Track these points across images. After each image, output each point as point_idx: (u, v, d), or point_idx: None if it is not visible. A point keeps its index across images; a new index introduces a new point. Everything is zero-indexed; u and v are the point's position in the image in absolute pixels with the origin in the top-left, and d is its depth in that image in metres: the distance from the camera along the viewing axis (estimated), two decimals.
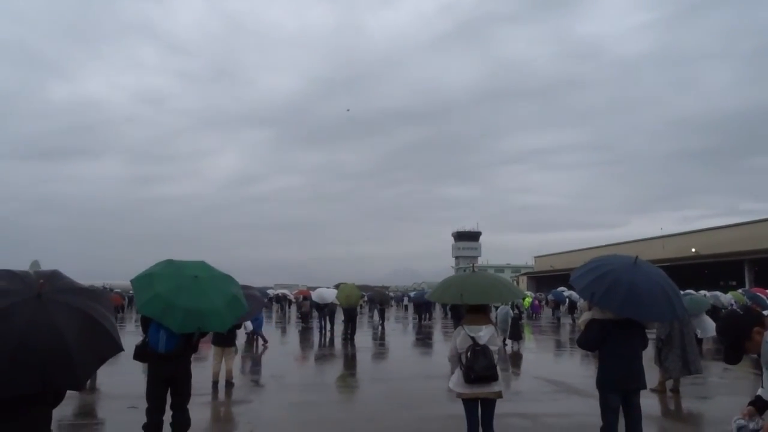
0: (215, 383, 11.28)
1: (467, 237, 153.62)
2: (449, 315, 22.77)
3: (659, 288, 5.81)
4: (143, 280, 6.57)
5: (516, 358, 17.28)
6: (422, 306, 35.23)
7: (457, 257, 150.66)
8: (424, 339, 24.33)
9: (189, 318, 6.27)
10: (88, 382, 11.71)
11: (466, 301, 6.04)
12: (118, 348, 3.58)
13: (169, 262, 6.93)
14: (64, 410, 8.87)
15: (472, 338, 5.83)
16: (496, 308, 41.74)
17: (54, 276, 3.54)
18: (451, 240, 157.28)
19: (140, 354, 6.62)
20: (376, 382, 12.79)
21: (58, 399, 3.50)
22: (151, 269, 6.78)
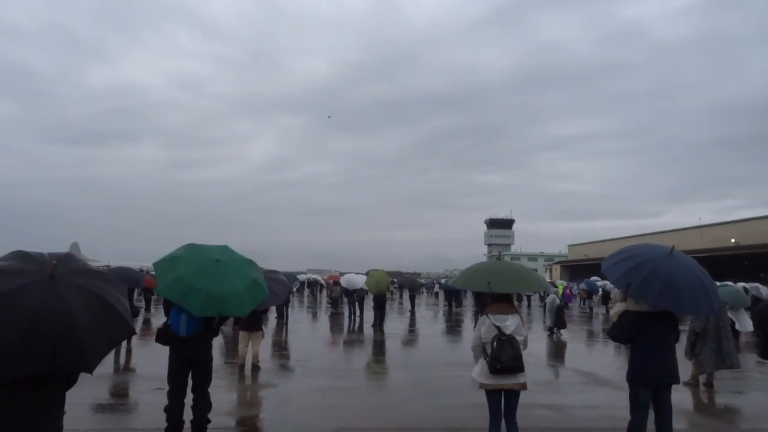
0: (242, 367, 11.35)
1: (500, 225, 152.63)
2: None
3: (697, 279, 5.59)
4: (165, 264, 6.58)
5: (557, 348, 17.05)
6: (452, 293, 35.07)
7: (489, 245, 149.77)
8: (453, 327, 24.20)
9: (209, 301, 6.25)
10: (115, 362, 11.94)
11: (494, 289, 5.88)
12: (131, 331, 3.60)
13: (191, 246, 6.93)
14: (95, 390, 9.02)
15: (498, 328, 5.68)
16: (528, 297, 41.31)
17: (67, 258, 3.53)
18: (484, 227, 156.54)
19: (162, 337, 6.65)
20: (402, 369, 12.72)
21: (70, 381, 3.50)
22: (174, 253, 6.80)
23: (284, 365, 12.76)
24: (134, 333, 3.58)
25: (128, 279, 16.19)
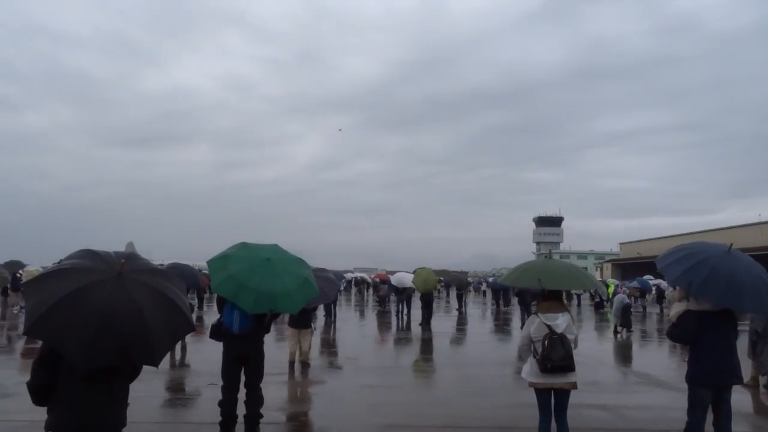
0: (291, 363, 11.54)
1: (549, 222, 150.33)
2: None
3: (758, 278, 5.45)
4: (218, 262, 6.76)
5: (610, 347, 16.74)
6: (500, 292, 34.75)
7: (538, 243, 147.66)
8: (501, 325, 23.99)
9: (261, 299, 6.40)
10: (171, 358, 12.29)
11: (546, 286, 5.82)
12: (191, 327, 3.76)
13: (243, 245, 7.10)
14: (153, 384, 9.32)
15: (549, 326, 5.62)
16: (578, 296, 40.50)
17: (133, 257, 3.72)
18: (532, 225, 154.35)
19: (215, 333, 6.82)
20: (451, 367, 12.70)
21: (135, 373, 3.72)
22: (226, 251, 6.97)
23: (333, 362, 12.91)
24: (194, 329, 3.73)
25: (187, 276, 16.53)
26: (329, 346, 15.80)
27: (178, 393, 9.47)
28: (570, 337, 5.66)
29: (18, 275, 25.96)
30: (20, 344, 15.19)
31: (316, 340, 15.27)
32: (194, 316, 21.97)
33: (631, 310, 21.24)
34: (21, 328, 17.68)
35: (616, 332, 19.36)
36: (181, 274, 12.74)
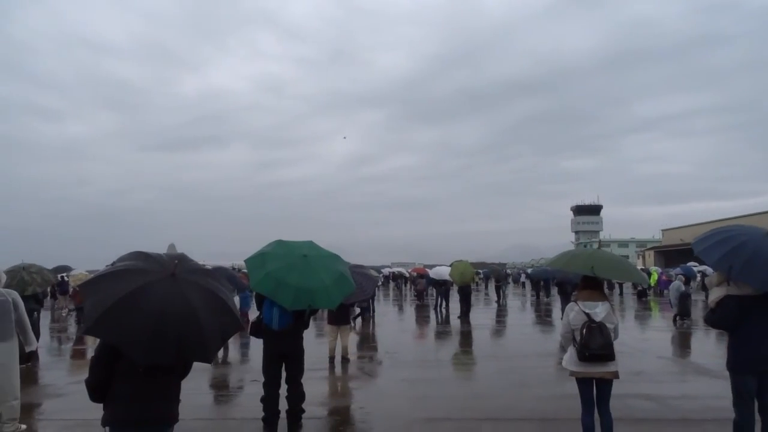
0: (332, 359, 11.65)
1: (587, 211, 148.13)
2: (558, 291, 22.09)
3: None
4: (256, 260, 6.87)
5: (666, 337, 16.42)
6: (540, 283, 34.40)
7: (576, 232, 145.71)
8: (541, 317, 23.76)
9: (300, 295, 6.49)
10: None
11: (598, 274, 5.75)
12: (240, 327, 3.90)
13: (279, 242, 7.20)
14: (197, 382, 9.52)
15: (587, 315, 5.56)
16: (620, 285, 39.86)
17: (183, 258, 3.88)
18: (570, 214, 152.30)
19: (256, 330, 6.93)
20: (490, 359, 12.64)
21: (186, 370, 3.87)
22: (263, 249, 7.08)
23: (372, 357, 12.97)
24: (243, 329, 3.87)
25: (228, 278, 16.89)
26: (368, 341, 15.88)
27: (221, 390, 9.64)
28: (609, 326, 5.58)
29: (65, 278, 26.74)
30: (69, 346, 15.66)
31: (355, 335, 15.37)
32: None
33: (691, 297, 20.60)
34: (70, 330, 18.29)
35: (675, 321, 18.91)
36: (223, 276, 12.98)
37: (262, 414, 6.82)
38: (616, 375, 5.64)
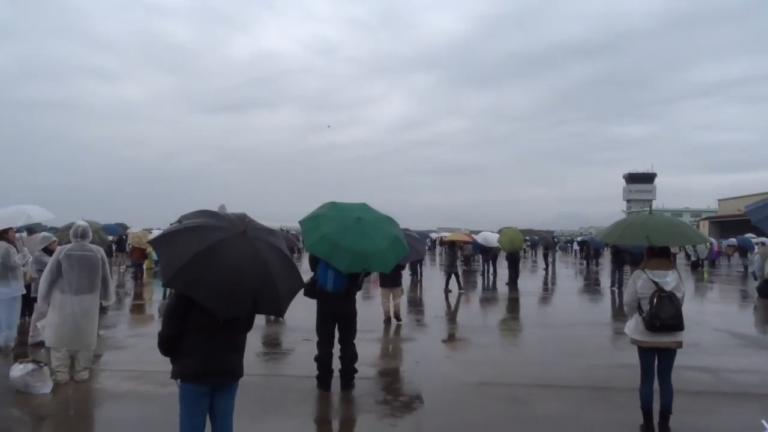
0: (387, 320, 11.81)
1: (640, 179, 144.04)
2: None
3: None
4: (310, 222, 6.92)
5: (724, 309, 15.99)
6: (590, 250, 33.88)
7: (628, 200, 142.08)
8: (590, 285, 23.45)
9: (355, 259, 6.54)
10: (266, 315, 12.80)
11: (654, 243, 5.56)
12: (302, 283, 4.01)
13: (333, 204, 7.24)
14: (250, 340, 9.72)
15: (656, 284, 5.41)
16: (673, 255, 38.86)
17: (248, 217, 3.94)
18: (622, 183, 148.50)
19: (310, 291, 7.01)
20: (540, 327, 12.57)
21: (251, 325, 3.95)
22: (317, 212, 7.12)
23: (421, 321, 13.05)
24: (304, 286, 3.95)
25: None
26: (417, 304, 15.97)
27: (275, 348, 9.88)
28: (678, 295, 5.44)
29: (124, 236, 27.70)
30: (128, 301, 16.24)
31: (403, 298, 15.46)
32: None
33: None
34: (127, 286, 18.92)
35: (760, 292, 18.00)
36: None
37: (316, 372, 6.97)
38: (680, 345, 5.51)
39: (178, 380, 3.69)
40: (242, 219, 3.75)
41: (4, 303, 8.71)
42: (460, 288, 18.61)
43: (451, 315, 13.86)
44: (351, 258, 6.54)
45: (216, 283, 3.36)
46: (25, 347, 8.74)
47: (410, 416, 6.28)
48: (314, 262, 7.07)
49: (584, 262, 34.49)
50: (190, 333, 3.60)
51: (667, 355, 5.55)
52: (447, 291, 18.14)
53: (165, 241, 3.65)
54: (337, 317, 7.02)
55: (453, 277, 18.59)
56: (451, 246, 20.25)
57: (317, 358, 7.00)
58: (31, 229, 14.51)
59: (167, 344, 3.66)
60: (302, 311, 12.72)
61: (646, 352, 5.60)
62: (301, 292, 4.37)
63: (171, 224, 4.08)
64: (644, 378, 5.65)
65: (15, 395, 6.51)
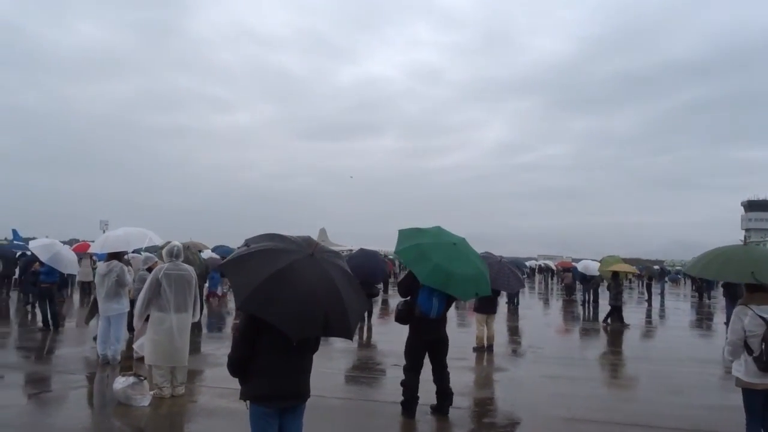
0: (480, 348, 11.71)
1: (762, 207, 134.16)
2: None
3: None
4: (413, 252, 6.97)
5: None
6: (702, 283, 31.85)
7: (747, 230, 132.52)
8: (701, 320, 22.06)
9: (467, 286, 6.72)
10: (359, 338, 12.99)
11: (759, 279, 5.18)
12: (369, 305, 4.03)
13: (420, 230, 7.31)
14: (340, 363, 9.97)
15: (765, 320, 5.03)
16: None
17: (313, 240, 4.07)
18: (741, 210, 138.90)
19: (405, 317, 7.02)
20: (641, 361, 11.95)
21: (317, 347, 4.02)
22: (413, 239, 7.11)
23: (516, 350, 12.77)
24: (369, 309, 4.03)
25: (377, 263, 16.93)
26: (512, 333, 15.65)
27: (363, 371, 9.98)
28: None
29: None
30: (230, 320, 16.97)
31: (500, 327, 15.19)
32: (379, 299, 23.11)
33: None
34: (229, 306, 19.69)
35: None
36: (369, 258, 13.42)
37: (401, 398, 6.98)
38: None
39: (247, 401, 3.77)
40: (309, 242, 3.85)
41: (115, 318, 9.43)
42: (622, 322, 17.25)
43: (547, 345, 13.44)
44: (465, 284, 6.68)
45: (288, 306, 3.45)
46: (129, 361, 9.33)
47: None
48: (409, 288, 7.04)
49: (696, 295, 32.42)
50: (259, 355, 3.67)
51: None
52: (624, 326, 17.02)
53: (236, 265, 3.74)
54: (433, 342, 7.05)
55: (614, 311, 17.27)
56: (615, 276, 18.62)
57: (405, 384, 7.00)
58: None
59: (237, 366, 3.74)
60: (394, 336, 12.82)
61: (753, 394, 5.20)
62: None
63: (238, 248, 4.25)
64: (750, 422, 5.25)
65: (116, 406, 6.98)
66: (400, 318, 7.12)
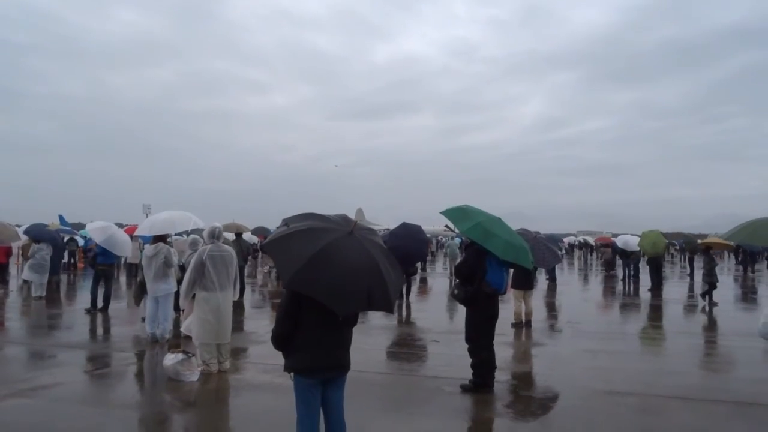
0: (518, 324, 11.79)
1: None
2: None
3: None
4: (457, 212, 7.37)
5: None
6: (747, 255, 31.20)
7: None
8: (746, 293, 21.62)
9: (507, 248, 6.89)
10: (398, 314, 13.18)
11: None
12: (405, 281, 4.20)
13: (464, 209, 7.44)
14: (380, 338, 10.18)
15: None
16: None
17: (350, 218, 4.24)
18: None
19: (473, 297, 7.04)
20: (681, 335, 11.87)
21: (356, 321, 4.21)
22: (471, 218, 7.21)
23: (554, 325, 12.80)
24: (406, 283, 4.18)
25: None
26: (551, 309, 15.66)
27: (402, 347, 10.15)
28: None
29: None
30: (270, 300, 17.35)
31: (538, 302, 15.20)
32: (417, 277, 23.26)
33: None
34: (270, 285, 20.17)
35: None
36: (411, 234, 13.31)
37: (474, 379, 7.09)
38: None
39: (291, 373, 3.98)
40: (347, 220, 4.02)
41: (163, 299, 9.85)
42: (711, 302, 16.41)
43: (586, 320, 13.42)
44: (504, 246, 6.81)
45: (333, 283, 3.60)
46: (177, 339, 9.71)
47: (534, 423, 6.26)
48: (476, 265, 7.03)
49: (740, 268, 31.74)
50: (301, 330, 3.86)
51: None
52: (713, 304, 16.25)
53: (279, 245, 3.86)
54: (495, 318, 7.27)
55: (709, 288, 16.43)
56: (706, 251, 17.96)
57: (481, 362, 7.07)
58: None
59: (280, 340, 3.95)
60: (433, 312, 12.97)
61: None
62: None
63: (278, 227, 4.41)
64: None
65: (167, 382, 7.35)
66: (472, 299, 7.06)
